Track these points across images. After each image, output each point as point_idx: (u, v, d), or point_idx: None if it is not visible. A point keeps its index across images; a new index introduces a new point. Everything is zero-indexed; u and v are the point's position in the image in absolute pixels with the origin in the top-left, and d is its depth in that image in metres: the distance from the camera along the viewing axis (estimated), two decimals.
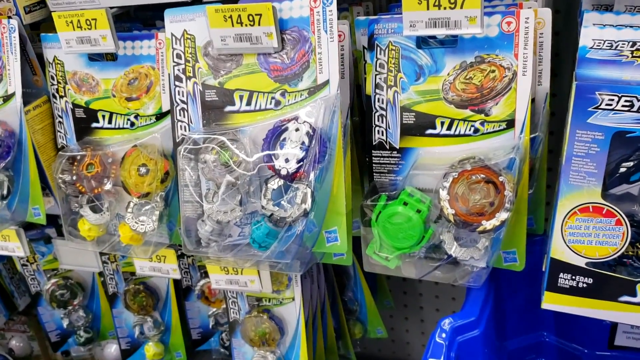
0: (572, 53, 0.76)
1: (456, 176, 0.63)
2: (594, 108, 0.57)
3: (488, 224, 0.62)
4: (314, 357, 0.97)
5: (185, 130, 0.70)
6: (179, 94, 0.70)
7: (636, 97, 0.55)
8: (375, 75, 0.67)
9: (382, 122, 0.67)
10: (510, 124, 0.63)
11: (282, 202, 0.65)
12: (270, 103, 0.67)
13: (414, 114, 0.66)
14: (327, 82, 0.64)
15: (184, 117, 0.70)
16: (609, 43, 0.60)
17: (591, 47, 0.60)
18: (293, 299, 0.90)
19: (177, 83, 0.70)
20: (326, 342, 1.03)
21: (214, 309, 1.11)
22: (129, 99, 0.78)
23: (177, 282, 1.12)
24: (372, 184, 0.69)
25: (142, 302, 1.11)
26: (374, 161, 0.69)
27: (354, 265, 1.06)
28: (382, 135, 0.67)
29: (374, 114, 0.67)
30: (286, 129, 0.65)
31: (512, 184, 0.61)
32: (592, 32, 0.60)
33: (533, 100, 0.66)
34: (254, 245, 0.67)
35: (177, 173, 0.70)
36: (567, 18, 0.90)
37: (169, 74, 0.70)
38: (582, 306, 0.62)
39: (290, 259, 0.67)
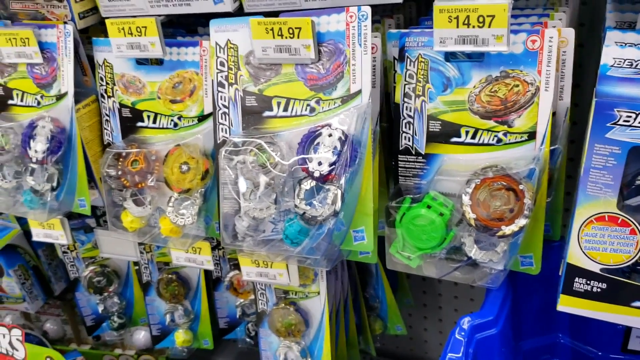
0: (594, 65, 0.79)
1: (479, 183, 0.67)
2: (612, 124, 0.60)
3: (507, 229, 0.66)
4: (336, 349, 1.02)
5: (226, 133, 0.75)
6: (221, 99, 0.75)
7: None
8: (405, 85, 0.71)
9: (409, 129, 0.71)
10: (531, 135, 0.66)
11: (314, 202, 0.69)
12: (306, 110, 0.72)
13: (440, 122, 0.70)
14: (359, 92, 0.69)
15: (225, 120, 0.76)
16: (629, 62, 0.63)
17: (612, 65, 0.63)
18: (318, 293, 0.95)
19: (219, 89, 0.75)
20: (348, 336, 1.07)
21: (242, 300, 1.16)
22: (173, 101, 0.83)
23: (207, 273, 1.18)
24: (397, 187, 0.73)
25: (174, 291, 1.17)
26: (399, 165, 0.73)
27: (376, 263, 1.10)
28: (409, 141, 0.72)
29: (402, 121, 0.72)
30: (320, 134, 0.69)
31: (532, 192, 0.65)
32: (613, 51, 0.64)
33: (554, 114, 0.70)
34: (286, 241, 0.71)
35: (218, 172, 0.75)
36: (591, 31, 0.93)
37: (212, 80, 0.75)
38: (595, 310, 0.66)
39: (320, 255, 0.71)
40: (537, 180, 0.65)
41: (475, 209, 0.67)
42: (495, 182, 0.66)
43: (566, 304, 0.67)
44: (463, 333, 0.69)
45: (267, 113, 0.74)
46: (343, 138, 0.68)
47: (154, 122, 0.85)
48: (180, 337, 1.21)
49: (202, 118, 0.82)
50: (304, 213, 0.70)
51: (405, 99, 0.71)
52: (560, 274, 0.72)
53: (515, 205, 0.66)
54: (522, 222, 0.65)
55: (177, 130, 0.84)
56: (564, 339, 0.86)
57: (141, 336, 1.41)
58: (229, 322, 1.23)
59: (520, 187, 0.65)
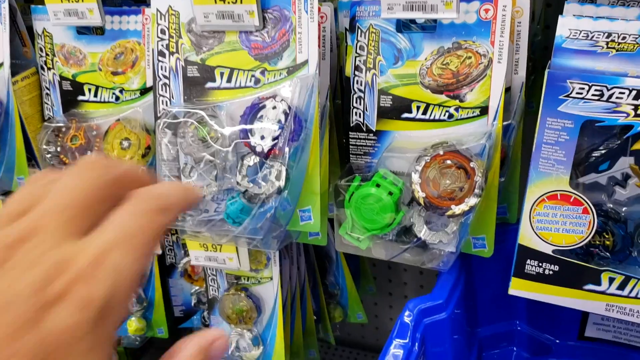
0: None
1: (428, 160, 0.64)
2: (564, 96, 0.57)
3: (457, 209, 0.63)
4: (291, 337, 0.99)
5: (166, 105, 0.71)
6: (161, 69, 0.71)
7: (606, 87, 0.56)
8: (355, 57, 0.67)
9: (360, 104, 0.68)
10: (483, 110, 0.63)
11: (257, 179, 0.66)
12: (250, 81, 0.68)
13: (391, 97, 0.66)
14: (306, 62, 0.65)
15: (166, 92, 0.71)
16: (584, 33, 0.60)
17: (567, 37, 0.60)
18: (271, 279, 0.91)
19: (160, 58, 0.71)
20: (305, 324, 1.04)
21: (197, 287, 1.12)
22: (114, 73, 0.79)
23: (160, 259, 1.13)
24: (348, 166, 0.69)
25: None
26: (350, 143, 0.69)
27: (336, 249, 1.06)
28: (360, 117, 0.68)
29: (352, 95, 0.68)
30: (264, 107, 0.65)
31: (483, 170, 0.62)
32: (568, 22, 0.60)
33: (508, 89, 0.67)
34: (228, 221, 0.68)
35: (156, 148, 0.71)
36: (558, 12, 0.90)
37: (152, 49, 0.71)
38: (547, 293, 0.63)
39: (263, 235, 0.68)
40: (488, 158, 0.62)
41: (424, 188, 0.64)
42: (445, 159, 0.63)
43: (518, 287, 0.64)
44: (410, 317, 0.66)
45: (209, 84, 0.69)
46: (287, 111, 0.64)
47: (95, 95, 0.80)
48: (133, 325, 1.16)
49: (144, 91, 0.78)
50: (246, 190, 0.66)
51: (356, 72, 0.68)
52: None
53: (465, 183, 0.63)
54: (472, 201, 0.62)
55: (119, 104, 0.79)
56: (522, 326, 0.83)
57: None
58: (184, 310, 1.18)
59: (471, 164, 0.62)
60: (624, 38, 0.57)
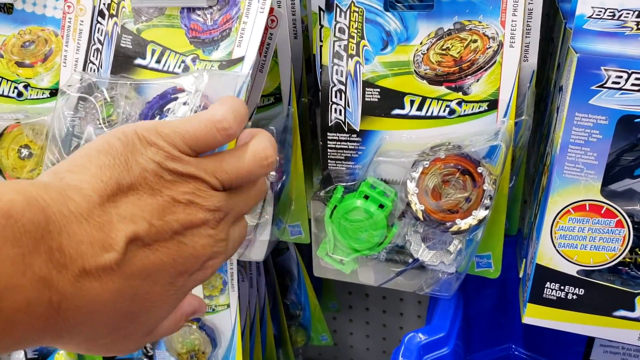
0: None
1: (427, 165, 0.52)
2: (598, 87, 0.47)
3: (463, 223, 0.52)
4: None
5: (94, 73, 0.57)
6: (98, 32, 0.56)
7: None
8: (334, 42, 0.55)
9: (340, 99, 0.56)
10: (492, 104, 0.53)
11: None
12: (179, 67, 0.54)
13: (378, 90, 0.55)
14: (241, 59, 0.52)
15: (97, 59, 0.57)
16: (610, 12, 0.50)
17: (590, 16, 0.50)
18: (228, 306, 0.77)
19: (99, 19, 0.57)
20: (264, 352, 0.91)
21: None
22: (19, 64, 0.64)
23: None
24: (327, 173, 0.57)
25: None
26: (329, 146, 0.57)
27: (298, 265, 0.94)
28: (340, 114, 0.56)
29: (331, 89, 0.56)
30: (175, 100, 0.52)
31: (493, 176, 0.51)
32: None
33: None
34: None
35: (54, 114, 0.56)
36: None
37: (94, 6, 0.57)
38: (570, 321, 0.53)
39: None
40: (501, 161, 0.51)
41: (423, 199, 0.52)
42: (447, 164, 0.52)
43: (534, 315, 0.54)
44: (409, 355, 0.54)
45: (139, 61, 0.56)
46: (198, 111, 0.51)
47: None
48: None
49: (55, 92, 0.63)
50: None
51: (335, 60, 0.55)
52: (520, 276, 0.59)
53: (472, 192, 0.52)
54: (481, 213, 0.52)
55: (22, 102, 0.64)
56: (518, 350, 0.74)
57: (20, 357, 1.19)
58: None
59: (479, 169, 0.51)
60: None
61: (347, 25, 0.54)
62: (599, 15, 0.50)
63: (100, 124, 0.54)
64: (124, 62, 0.56)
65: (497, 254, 0.57)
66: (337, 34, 0.55)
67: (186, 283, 0.36)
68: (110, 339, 0.34)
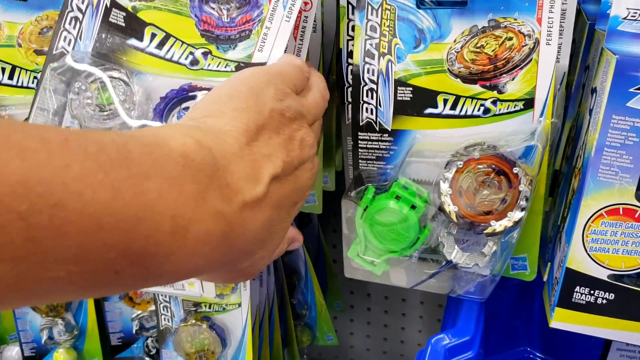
0: None
1: (461, 166, 0.51)
2: (636, 89, 0.47)
3: (498, 225, 0.51)
4: None
5: (69, 45, 0.54)
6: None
7: None
8: (365, 40, 0.54)
9: (372, 98, 0.55)
10: (528, 103, 0.52)
11: None
12: (186, 58, 0.53)
13: (411, 89, 0.54)
14: (263, 65, 0.51)
15: (74, 28, 0.54)
16: None
17: (625, 18, 0.50)
18: (239, 305, 0.76)
19: None
20: (271, 352, 0.90)
21: (139, 312, 0.95)
22: (38, 52, 0.62)
23: None
24: (357, 173, 0.56)
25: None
26: (360, 145, 0.56)
27: (305, 264, 0.93)
28: (371, 114, 0.55)
29: (362, 87, 0.55)
30: (194, 98, 0.51)
31: (529, 177, 0.50)
32: None
33: None
34: None
35: (38, 90, 0.53)
36: None
37: None
38: (599, 326, 0.53)
39: None
40: (538, 162, 0.51)
41: (456, 200, 0.52)
42: (482, 164, 0.51)
43: (562, 320, 0.54)
44: (436, 356, 0.53)
45: (134, 42, 0.53)
46: None
47: (11, 77, 0.62)
48: (61, 358, 0.97)
49: None
50: None
51: (367, 59, 0.54)
52: (544, 280, 0.59)
53: (508, 193, 0.51)
54: (517, 215, 0.51)
55: None
56: (533, 353, 0.73)
57: (14, 353, 1.16)
58: (123, 337, 1.00)
59: (515, 170, 0.50)
60: None
61: (379, 23, 0.53)
62: (634, 17, 0.50)
63: (101, 111, 0.52)
64: (113, 41, 0.53)
65: (532, 256, 0.57)
66: (369, 32, 0.54)
67: (294, 212, 0.41)
68: (248, 263, 0.39)
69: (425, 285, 0.56)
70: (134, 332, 0.97)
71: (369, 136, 0.55)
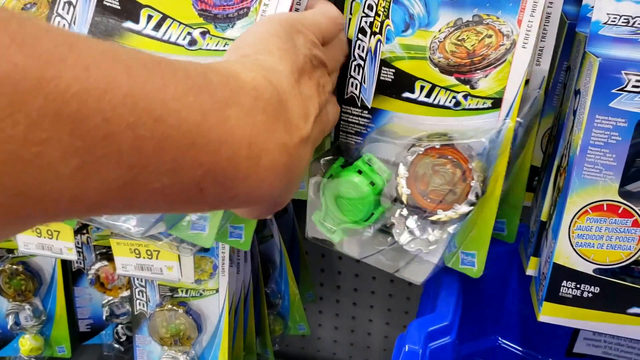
0: None
1: (421, 152, 0.52)
2: (618, 90, 0.48)
3: (443, 215, 0.52)
4: (231, 356, 0.84)
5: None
6: None
7: None
8: (362, 17, 0.55)
9: (359, 73, 0.56)
10: (496, 103, 0.52)
11: None
12: (184, 39, 0.52)
13: (393, 70, 0.54)
14: None
15: (68, 13, 0.52)
16: (625, 19, 0.51)
17: (605, 23, 0.51)
18: (216, 291, 0.76)
19: None
20: (245, 341, 0.89)
21: (110, 298, 0.93)
22: None
23: (65, 264, 0.93)
24: (336, 144, 0.58)
25: (19, 285, 0.91)
26: (342, 117, 0.57)
27: (281, 253, 0.93)
28: (356, 89, 0.56)
29: (351, 62, 0.56)
30: None
31: (482, 174, 0.51)
32: (607, 5, 0.51)
33: (527, 82, 0.57)
34: None
35: None
36: None
37: None
38: (585, 319, 0.54)
39: None
40: (494, 162, 0.52)
41: (411, 184, 0.53)
42: (441, 154, 0.52)
43: (550, 313, 0.55)
44: (418, 341, 0.54)
45: (129, 24, 0.52)
46: None
47: None
48: (27, 344, 0.95)
49: None
50: None
51: (359, 36, 0.55)
52: (528, 274, 0.61)
53: (459, 186, 0.52)
54: (463, 209, 0.51)
55: None
56: (504, 342, 0.75)
57: None
58: (92, 324, 0.99)
59: (470, 165, 0.51)
60: None
61: (376, 2, 0.54)
62: (614, 21, 0.51)
63: None
64: (108, 23, 0.52)
65: (481, 255, 0.57)
66: (366, 10, 0.55)
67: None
68: (288, 196, 0.40)
69: (374, 260, 0.57)
70: (104, 318, 0.95)
71: (351, 110, 0.57)
